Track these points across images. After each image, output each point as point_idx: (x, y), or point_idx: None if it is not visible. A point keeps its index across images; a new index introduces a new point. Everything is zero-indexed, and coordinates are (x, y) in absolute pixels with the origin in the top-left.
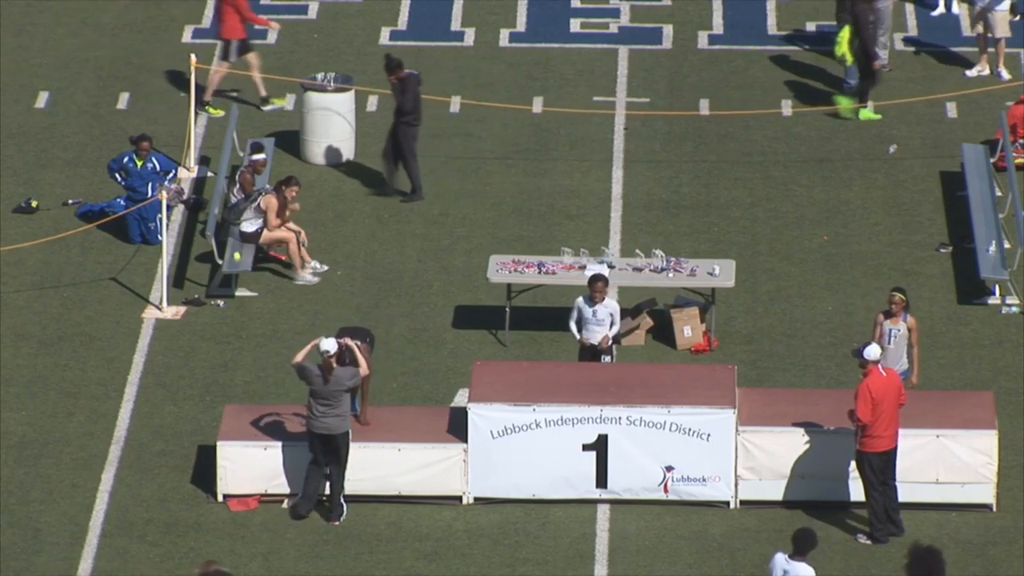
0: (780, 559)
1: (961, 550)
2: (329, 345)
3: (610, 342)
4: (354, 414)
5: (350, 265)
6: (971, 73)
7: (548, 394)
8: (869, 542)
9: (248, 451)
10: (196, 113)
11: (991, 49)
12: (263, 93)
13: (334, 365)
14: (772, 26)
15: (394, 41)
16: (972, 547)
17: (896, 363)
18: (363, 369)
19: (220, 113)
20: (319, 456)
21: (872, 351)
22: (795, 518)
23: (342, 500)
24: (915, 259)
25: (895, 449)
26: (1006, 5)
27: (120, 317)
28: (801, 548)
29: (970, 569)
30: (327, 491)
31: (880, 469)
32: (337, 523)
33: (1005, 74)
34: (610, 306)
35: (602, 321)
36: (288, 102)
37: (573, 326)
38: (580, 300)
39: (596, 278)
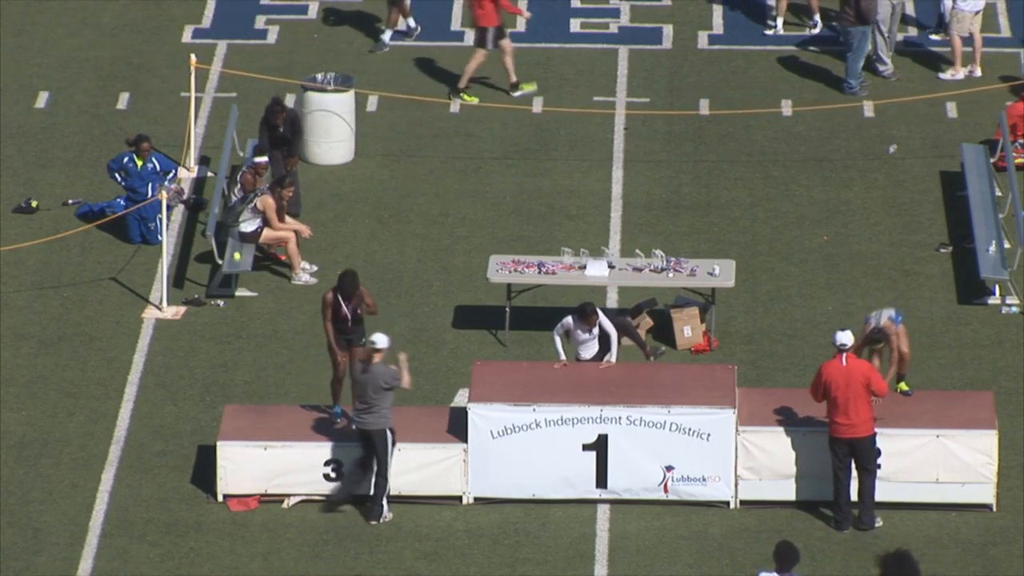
0: None
1: (961, 550)
2: (379, 340)
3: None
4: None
5: (350, 265)
6: (945, 76)
7: (548, 394)
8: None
9: (248, 451)
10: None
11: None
12: (513, 79)
13: (375, 359)
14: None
15: (394, 41)
16: (972, 547)
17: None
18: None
19: (475, 100)
20: (365, 452)
21: (838, 336)
22: (795, 518)
23: (384, 502)
24: (915, 259)
25: (863, 441)
26: (970, 5)
27: (120, 317)
28: (785, 566)
29: (970, 569)
30: (371, 491)
31: (843, 456)
32: (376, 523)
33: (956, 74)
34: (603, 325)
35: (595, 336)
36: (536, 87)
37: (558, 340)
38: (570, 321)
39: (589, 312)
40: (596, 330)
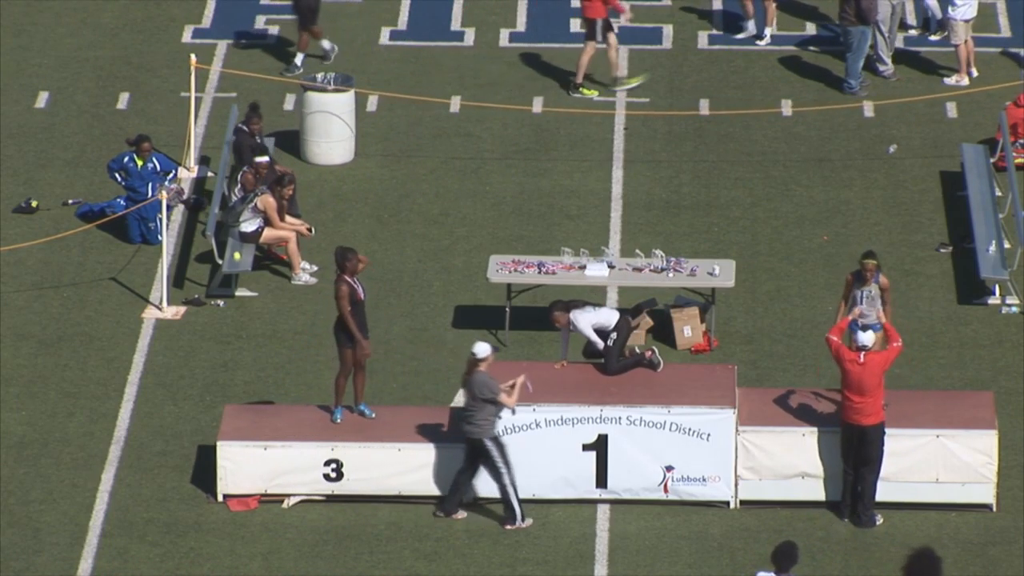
0: None
1: (961, 550)
2: (479, 349)
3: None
4: (361, 412)
5: None
6: (949, 81)
7: (548, 394)
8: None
9: (248, 451)
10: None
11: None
12: (616, 74)
13: (479, 368)
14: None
15: (394, 41)
16: (972, 547)
17: (869, 319)
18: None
19: (595, 93)
20: (466, 458)
21: (860, 337)
22: (795, 518)
23: (516, 507)
24: (915, 259)
25: (872, 429)
26: (959, 13)
27: (120, 317)
28: (784, 566)
29: (970, 569)
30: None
31: (847, 444)
32: (510, 527)
33: (961, 80)
34: (576, 325)
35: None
36: (641, 80)
37: (565, 336)
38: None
39: (552, 312)
40: (572, 328)
